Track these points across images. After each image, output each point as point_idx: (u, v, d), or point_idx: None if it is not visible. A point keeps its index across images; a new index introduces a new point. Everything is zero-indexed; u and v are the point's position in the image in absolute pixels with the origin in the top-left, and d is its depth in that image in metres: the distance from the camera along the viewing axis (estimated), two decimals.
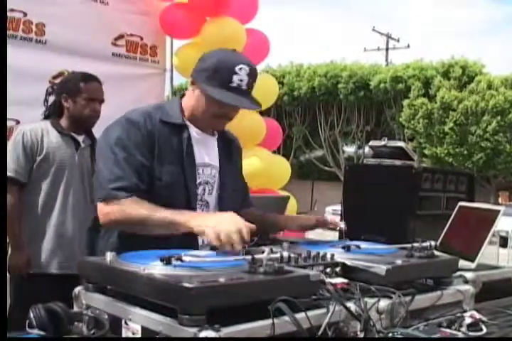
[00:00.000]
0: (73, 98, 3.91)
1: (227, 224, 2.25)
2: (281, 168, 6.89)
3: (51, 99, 4.32)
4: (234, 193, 2.93)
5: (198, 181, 2.76)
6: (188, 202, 2.69)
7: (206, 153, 2.82)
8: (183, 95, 2.86)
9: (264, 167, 6.35)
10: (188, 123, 2.77)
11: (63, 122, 3.96)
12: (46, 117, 4.08)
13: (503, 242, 15.22)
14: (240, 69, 2.62)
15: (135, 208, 2.51)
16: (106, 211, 2.58)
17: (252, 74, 2.67)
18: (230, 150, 2.98)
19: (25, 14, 4.70)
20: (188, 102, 2.79)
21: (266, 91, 6.32)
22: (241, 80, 2.62)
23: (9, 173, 3.72)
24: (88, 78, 3.99)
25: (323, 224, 2.99)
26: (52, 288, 3.37)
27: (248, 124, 6.18)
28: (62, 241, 3.87)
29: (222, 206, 2.83)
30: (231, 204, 2.82)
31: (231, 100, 2.61)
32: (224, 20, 5.84)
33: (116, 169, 2.57)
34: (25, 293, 3.71)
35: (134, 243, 2.44)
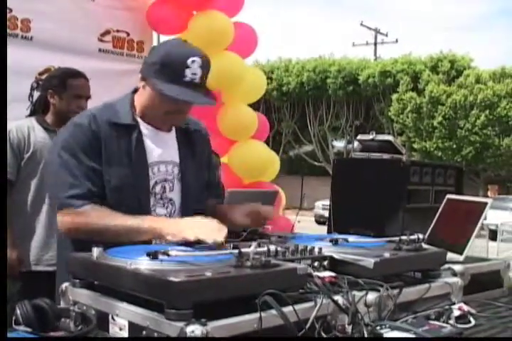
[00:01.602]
0: (59, 94, 3.89)
1: (204, 230, 2.20)
2: (272, 160, 6.88)
3: (36, 94, 4.30)
4: (199, 187, 2.82)
5: (154, 180, 2.66)
6: (139, 204, 2.60)
7: (162, 150, 2.70)
8: (136, 90, 2.71)
9: (257, 159, 6.35)
10: (139, 120, 2.65)
11: (49, 118, 3.94)
12: (32, 113, 4.06)
13: (493, 235, 15.29)
14: (193, 62, 2.47)
15: (94, 217, 2.45)
16: (65, 221, 2.52)
17: (205, 66, 2.53)
18: (191, 143, 2.82)
19: (10, 10, 4.67)
20: (139, 99, 2.66)
21: (254, 84, 6.32)
22: (194, 74, 2.48)
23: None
24: (75, 74, 3.97)
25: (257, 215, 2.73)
26: (43, 285, 3.36)
27: (240, 117, 6.19)
28: (52, 238, 3.85)
29: (186, 202, 2.75)
30: (196, 199, 2.78)
31: (185, 96, 2.49)
32: (211, 14, 5.83)
33: (68, 177, 2.50)
34: (17, 291, 3.69)
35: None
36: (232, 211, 2.76)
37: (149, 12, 5.78)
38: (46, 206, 3.86)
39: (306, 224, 15.95)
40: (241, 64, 6.12)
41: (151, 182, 2.65)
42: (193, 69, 2.47)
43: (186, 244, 2.16)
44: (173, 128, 2.78)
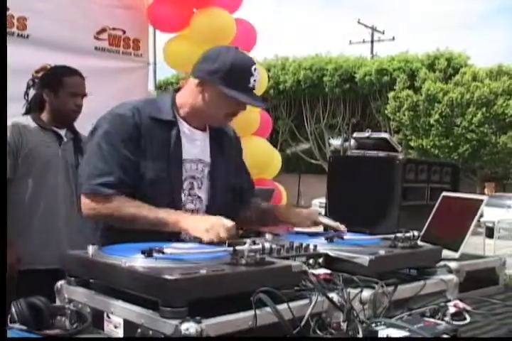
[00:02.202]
0: (55, 92, 3.88)
1: (218, 229, 2.31)
2: (274, 157, 6.88)
3: (32, 92, 4.29)
4: (227, 188, 2.91)
5: (184, 177, 2.74)
6: (172, 198, 2.68)
7: (196, 148, 2.80)
8: (177, 90, 2.86)
9: (260, 156, 6.35)
10: (180, 119, 2.77)
11: (44, 116, 3.93)
12: (27, 111, 4.06)
13: (490, 233, 15.33)
14: (255, 69, 2.68)
15: (122, 206, 2.53)
16: (91, 206, 2.58)
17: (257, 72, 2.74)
18: (223, 144, 2.94)
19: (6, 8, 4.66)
20: (188, 99, 2.76)
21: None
22: (255, 81, 2.68)
23: None
24: (70, 72, 3.96)
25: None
26: (41, 284, 3.35)
27: (243, 113, 6.18)
28: (50, 236, 3.85)
29: (212, 201, 2.83)
30: (222, 200, 2.86)
31: (251, 100, 2.68)
32: (213, 11, 5.81)
33: (101, 164, 2.57)
34: (14, 290, 3.68)
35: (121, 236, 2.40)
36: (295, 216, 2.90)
37: (150, 10, 5.77)
38: (43, 203, 3.85)
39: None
40: None
41: (183, 179, 2.75)
42: (255, 77, 2.67)
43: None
44: (207, 130, 2.89)
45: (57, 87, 3.87)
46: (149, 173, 2.63)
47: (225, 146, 2.95)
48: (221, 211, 2.63)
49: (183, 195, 2.74)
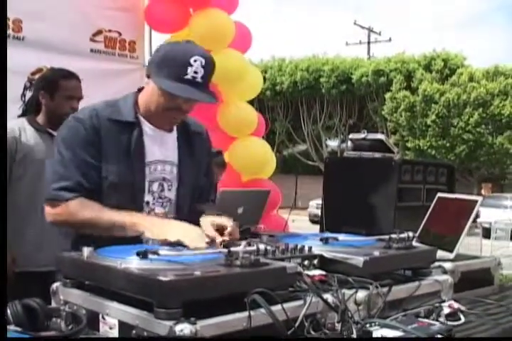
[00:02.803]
0: (51, 95, 3.88)
1: (188, 234, 2.22)
2: (271, 157, 6.89)
3: (29, 94, 4.29)
4: (196, 189, 2.85)
5: (150, 178, 2.67)
6: (134, 201, 2.63)
7: (161, 149, 2.72)
8: (140, 89, 2.75)
9: (259, 156, 6.37)
10: (142, 119, 2.68)
11: (40, 119, 3.93)
12: (23, 113, 4.06)
13: (486, 233, 15.33)
14: (195, 60, 2.48)
15: (81, 210, 2.49)
16: (51, 212, 2.57)
17: (208, 66, 2.53)
18: (191, 144, 2.84)
19: None
20: (143, 97, 2.69)
21: (253, 82, 6.33)
22: (196, 72, 2.48)
23: None
24: (67, 75, 3.96)
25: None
26: (36, 286, 3.36)
27: (241, 113, 6.21)
28: (45, 239, 3.84)
29: (179, 203, 2.77)
30: (190, 201, 2.81)
31: (183, 92, 2.49)
32: (212, 12, 5.82)
33: (60, 168, 2.54)
34: (10, 291, 3.68)
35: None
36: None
37: (147, 11, 5.78)
38: (39, 206, 3.85)
39: (301, 223, 15.95)
40: (243, 61, 6.13)
41: (147, 181, 2.66)
42: (195, 68, 2.48)
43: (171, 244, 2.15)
44: (175, 129, 2.80)
45: (54, 90, 3.87)
46: (111, 177, 2.57)
47: (195, 146, 2.86)
48: (189, 212, 2.67)
49: (151, 198, 2.68)
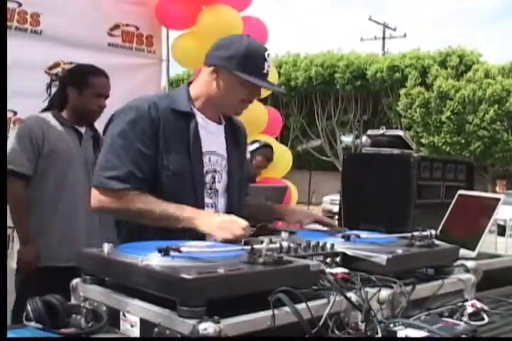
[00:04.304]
0: (79, 91, 3.85)
1: (232, 227, 2.31)
2: (284, 155, 6.87)
3: (53, 88, 4.27)
4: (240, 182, 2.93)
5: (205, 169, 2.74)
6: (195, 191, 2.68)
7: (213, 141, 2.81)
8: (190, 83, 2.86)
9: None
10: (195, 111, 2.76)
11: (65, 114, 3.90)
12: (49, 106, 4.03)
13: (501, 230, 15.24)
14: (268, 55, 2.71)
15: (130, 201, 2.53)
16: (99, 198, 2.59)
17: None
18: (237, 138, 2.97)
19: (19, 4, 4.66)
20: (202, 90, 2.77)
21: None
22: (268, 66, 2.71)
23: (15, 167, 3.68)
24: (97, 72, 3.92)
25: (320, 222, 2.87)
26: (60, 281, 3.35)
27: (251, 112, 6.17)
28: (70, 233, 3.83)
29: (228, 195, 2.83)
30: (237, 193, 2.87)
31: (268, 85, 2.75)
32: (220, 9, 5.80)
33: (113, 157, 2.56)
34: (32, 286, 3.67)
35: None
36: (290, 216, 2.94)
37: (158, 7, 5.76)
38: (64, 201, 3.84)
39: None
40: None
41: (204, 171, 2.75)
42: (268, 62, 2.71)
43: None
44: (223, 122, 2.90)
45: (82, 86, 3.84)
46: (173, 166, 2.62)
47: (239, 140, 2.98)
48: (235, 205, 2.77)
49: (204, 189, 2.74)
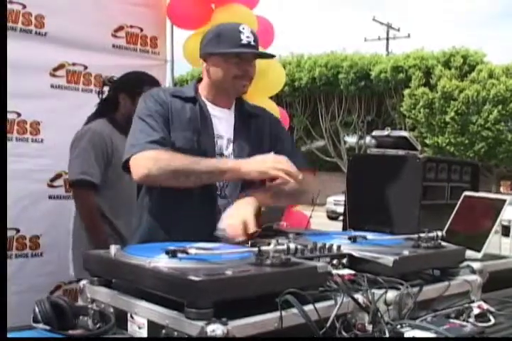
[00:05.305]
0: (132, 99, 3.82)
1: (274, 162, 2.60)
2: None
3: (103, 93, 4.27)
4: None
5: (216, 152, 2.85)
6: None
7: (221, 126, 2.90)
8: (199, 80, 3.00)
9: None
10: (202, 98, 2.93)
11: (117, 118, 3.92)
12: (99, 111, 4.02)
13: (506, 231, 15.20)
14: (243, 28, 2.81)
15: (173, 158, 2.64)
16: (142, 164, 2.67)
17: (255, 34, 2.86)
18: (248, 123, 3.01)
19: (24, 6, 4.66)
20: (204, 81, 2.96)
21: (276, 78, 6.28)
22: (248, 37, 2.79)
23: (85, 176, 3.70)
24: (153, 82, 3.90)
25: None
26: None
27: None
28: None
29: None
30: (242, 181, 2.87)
31: (246, 50, 2.79)
32: (234, 8, 5.77)
33: (146, 128, 2.74)
34: None
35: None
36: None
37: (169, 7, 5.75)
38: (126, 211, 3.79)
39: (318, 219, 15.87)
40: None
41: (216, 153, 2.86)
42: (246, 34, 2.80)
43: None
44: (233, 108, 3.00)
45: (136, 95, 3.81)
46: (179, 143, 2.76)
47: (250, 126, 3.01)
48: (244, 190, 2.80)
49: None
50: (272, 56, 3.04)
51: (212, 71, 2.88)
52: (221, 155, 2.85)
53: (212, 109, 2.91)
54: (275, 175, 2.58)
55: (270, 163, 2.58)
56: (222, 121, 2.92)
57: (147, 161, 2.65)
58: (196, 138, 2.79)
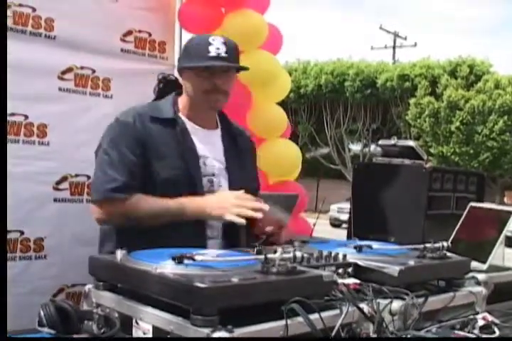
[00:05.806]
0: None
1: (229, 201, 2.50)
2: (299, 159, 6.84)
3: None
4: (244, 186, 2.83)
5: (202, 173, 2.76)
6: (194, 194, 2.67)
7: (207, 146, 2.83)
8: (179, 93, 2.91)
9: (288, 158, 6.33)
10: (183, 118, 2.81)
11: None
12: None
13: (510, 242, 15.18)
14: (213, 39, 2.68)
15: (139, 204, 2.59)
16: (104, 211, 2.65)
17: (229, 44, 2.71)
18: (236, 142, 2.96)
19: (34, 9, 4.66)
20: (183, 96, 2.87)
21: (283, 84, 6.28)
22: (218, 48, 2.66)
23: None
24: None
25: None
26: None
27: (272, 116, 6.16)
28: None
29: None
30: None
31: (215, 63, 2.66)
32: (246, 13, 5.77)
33: (110, 170, 2.62)
34: None
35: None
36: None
37: (180, 12, 5.75)
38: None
39: (321, 227, 15.84)
40: (275, 63, 6.08)
41: (201, 175, 2.77)
42: (216, 45, 2.66)
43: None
44: (219, 128, 2.93)
45: None
46: (166, 172, 2.66)
47: (237, 144, 2.97)
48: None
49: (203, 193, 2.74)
50: (245, 69, 2.84)
51: (185, 86, 2.82)
52: (213, 175, 2.80)
53: (197, 131, 2.82)
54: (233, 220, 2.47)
55: (230, 207, 2.48)
56: (209, 143, 2.86)
57: (107, 210, 2.65)
58: (182, 163, 2.70)
